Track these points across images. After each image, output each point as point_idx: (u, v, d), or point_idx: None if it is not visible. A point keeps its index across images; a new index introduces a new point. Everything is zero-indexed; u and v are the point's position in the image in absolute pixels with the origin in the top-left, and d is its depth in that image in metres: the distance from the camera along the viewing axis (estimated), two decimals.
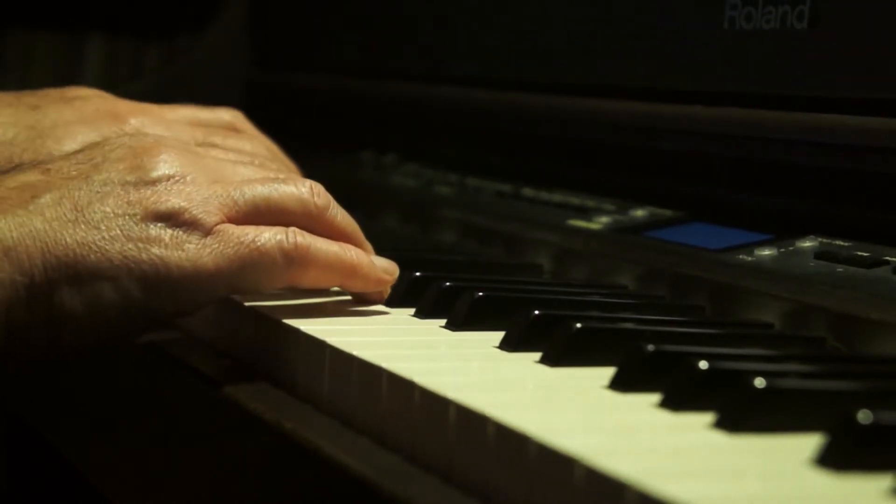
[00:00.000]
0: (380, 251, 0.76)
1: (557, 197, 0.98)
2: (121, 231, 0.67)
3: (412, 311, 0.75)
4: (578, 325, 0.64)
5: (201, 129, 0.89)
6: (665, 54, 0.94)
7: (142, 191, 0.68)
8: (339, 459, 0.57)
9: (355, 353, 0.63)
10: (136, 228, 0.67)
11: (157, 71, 1.64)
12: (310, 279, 0.72)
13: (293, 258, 0.70)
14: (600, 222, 0.91)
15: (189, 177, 0.70)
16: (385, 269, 0.75)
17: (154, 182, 0.69)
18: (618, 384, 0.58)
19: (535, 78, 1.08)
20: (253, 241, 0.69)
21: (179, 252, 0.67)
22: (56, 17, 1.70)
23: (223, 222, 0.69)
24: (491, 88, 1.12)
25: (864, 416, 0.47)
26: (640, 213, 0.91)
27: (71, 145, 0.82)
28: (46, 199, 0.67)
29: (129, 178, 0.69)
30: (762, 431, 0.52)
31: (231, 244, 0.68)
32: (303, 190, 0.73)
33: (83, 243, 0.66)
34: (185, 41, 1.66)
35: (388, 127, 1.30)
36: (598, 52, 1.01)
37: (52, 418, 0.99)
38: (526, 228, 0.94)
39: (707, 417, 0.53)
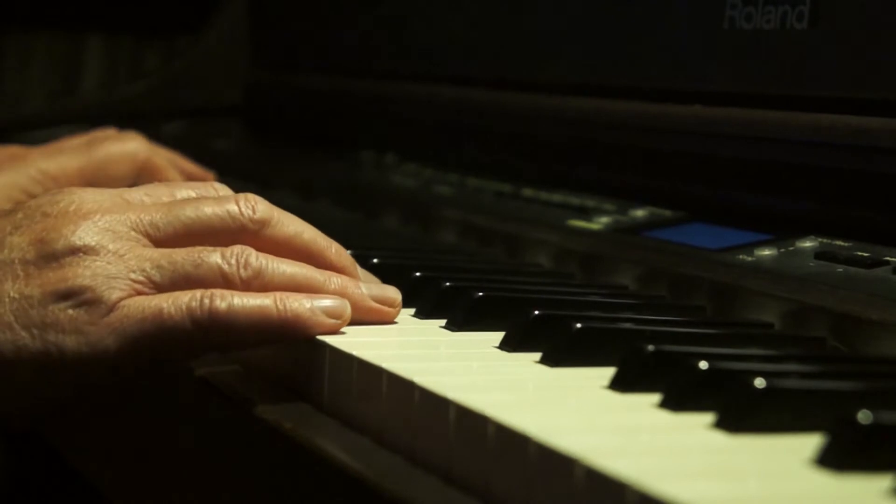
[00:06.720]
0: (380, 251, 0.76)
1: (557, 197, 0.98)
2: (15, 318, 0.63)
3: (412, 311, 0.75)
4: (578, 325, 0.64)
5: None
6: (665, 54, 0.94)
7: (43, 270, 0.63)
8: (339, 459, 0.57)
9: (355, 353, 0.63)
10: (31, 313, 0.63)
11: (157, 71, 1.64)
12: (242, 342, 0.65)
13: (206, 326, 0.63)
14: (600, 222, 0.90)
15: (99, 246, 0.64)
16: (378, 297, 0.69)
17: (58, 257, 0.64)
18: (618, 384, 0.58)
19: (536, 78, 1.08)
20: (158, 312, 0.63)
21: (78, 336, 0.63)
22: (56, 17, 1.71)
23: (131, 296, 0.63)
24: (491, 88, 1.12)
25: (864, 417, 0.47)
26: (640, 213, 0.91)
27: None
28: None
29: (31, 255, 0.64)
30: (762, 431, 0.52)
31: (134, 320, 0.63)
32: (230, 207, 0.67)
33: None
34: (185, 41, 1.66)
35: (388, 127, 1.30)
36: (598, 52, 1.01)
37: (51, 418, 0.99)
38: (526, 228, 0.94)
39: (707, 417, 0.53)
